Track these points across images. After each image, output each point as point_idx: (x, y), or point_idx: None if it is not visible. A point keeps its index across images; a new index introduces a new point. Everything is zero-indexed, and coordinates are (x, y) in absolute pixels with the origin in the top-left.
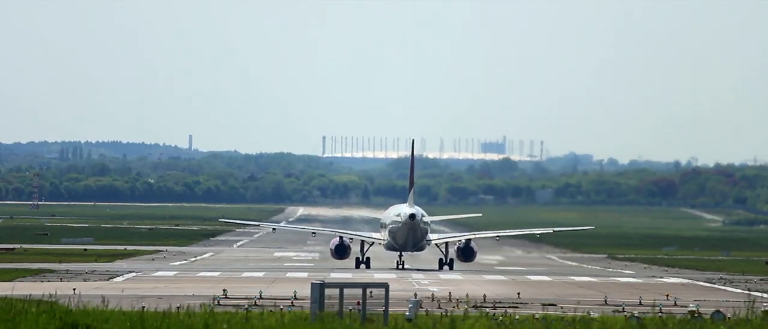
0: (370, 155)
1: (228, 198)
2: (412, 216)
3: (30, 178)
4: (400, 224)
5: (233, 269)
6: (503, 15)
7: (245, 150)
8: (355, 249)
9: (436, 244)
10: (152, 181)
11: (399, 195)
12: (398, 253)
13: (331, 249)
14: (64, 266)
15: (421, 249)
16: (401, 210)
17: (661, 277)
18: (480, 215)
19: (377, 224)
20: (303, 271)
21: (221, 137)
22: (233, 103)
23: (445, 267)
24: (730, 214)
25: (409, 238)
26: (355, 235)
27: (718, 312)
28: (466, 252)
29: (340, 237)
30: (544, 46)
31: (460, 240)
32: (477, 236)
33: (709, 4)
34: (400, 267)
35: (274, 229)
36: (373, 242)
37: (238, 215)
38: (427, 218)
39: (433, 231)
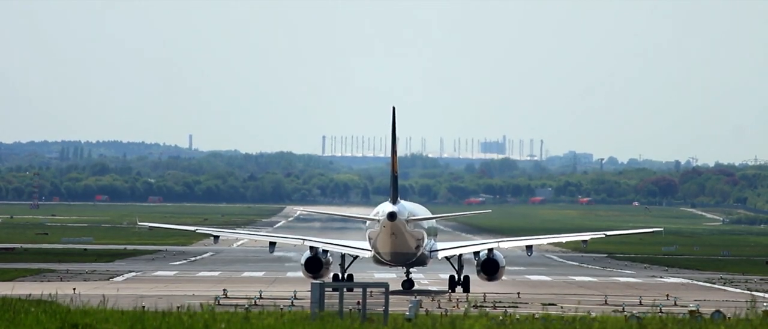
0: (369, 154)
1: (228, 198)
2: (393, 215)
3: (30, 178)
4: (379, 229)
5: (233, 269)
6: (503, 16)
7: (245, 150)
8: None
9: (445, 258)
10: (152, 181)
11: (398, 194)
12: (404, 269)
13: (301, 264)
14: (64, 266)
15: (420, 263)
16: (382, 208)
17: (661, 277)
18: (489, 211)
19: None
20: None
21: (221, 136)
22: (233, 102)
23: (459, 288)
24: (731, 213)
25: (394, 247)
26: (333, 245)
27: (718, 311)
28: (489, 266)
29: (312, 248)
30: (545, 46)
31: (478, 250)
32: (504, 243)
33: (708, 5)
34: (407, 287)
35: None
36: (356, 256)
37: (237, 214)
38: (426, 219)
39: (441, 234)
